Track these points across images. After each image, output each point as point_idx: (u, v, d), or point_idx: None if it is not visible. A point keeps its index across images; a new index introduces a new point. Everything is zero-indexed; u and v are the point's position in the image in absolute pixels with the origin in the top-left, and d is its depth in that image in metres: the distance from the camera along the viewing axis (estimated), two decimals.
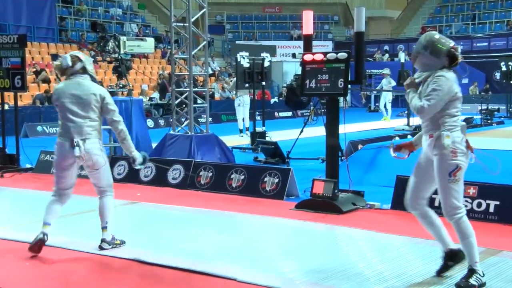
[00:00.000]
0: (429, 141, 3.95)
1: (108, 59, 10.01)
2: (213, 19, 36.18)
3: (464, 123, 4.01)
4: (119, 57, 9.83)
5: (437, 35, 4.01)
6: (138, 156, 4.97)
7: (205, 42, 10.25)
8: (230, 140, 12.86)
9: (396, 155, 4.27)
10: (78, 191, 5.41)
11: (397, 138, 11.43)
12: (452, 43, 3.98)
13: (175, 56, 10.42)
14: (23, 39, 9.26)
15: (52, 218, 4.97)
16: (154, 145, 10.25)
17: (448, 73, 3.86)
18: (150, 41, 10.70)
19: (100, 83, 11.49)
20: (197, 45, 11.02)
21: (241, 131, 15.40)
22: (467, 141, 3.96)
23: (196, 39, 27.34)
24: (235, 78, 13.91)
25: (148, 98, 20.97)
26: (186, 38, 10.05)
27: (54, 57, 19.36)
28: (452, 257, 4.16)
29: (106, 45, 9.77)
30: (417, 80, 3.96)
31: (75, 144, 4.70)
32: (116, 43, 9.81)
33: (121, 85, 10.10)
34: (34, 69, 19.87)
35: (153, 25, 31.65)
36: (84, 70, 4.87)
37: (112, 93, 10.08)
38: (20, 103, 14.60)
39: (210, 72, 26.19)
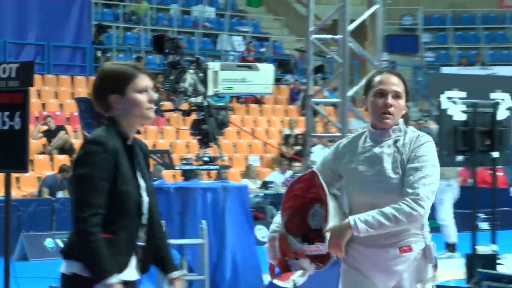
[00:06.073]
0: (402, 257, 4.44)
1: (183, 105, 9.85)
2: (396, 23, 32.37)
3: None
4: (205, 104, 9.50)
5: None
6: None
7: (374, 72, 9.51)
8: None
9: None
10: None
11: None
12: None
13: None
14: (29, 68, 8.69)
15: None
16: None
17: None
18: (267, 70, 10.21)
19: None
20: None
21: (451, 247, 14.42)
22: None
23: (360, 66, 24.47)
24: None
25: (260, 182, 20.16)
26: (337, 62, 10.58)
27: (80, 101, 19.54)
28: None
29: (179, 80, 9.37)
30: None
31: None
32: (201, 74, 9.47)
33: (207, 157, 9.64)
34: (46, 127, 19.25)
35: (276, 36, 29.73)
36: None
37: (188, 174, 9.93)
38: (16, 194, 15.00)
39: None
